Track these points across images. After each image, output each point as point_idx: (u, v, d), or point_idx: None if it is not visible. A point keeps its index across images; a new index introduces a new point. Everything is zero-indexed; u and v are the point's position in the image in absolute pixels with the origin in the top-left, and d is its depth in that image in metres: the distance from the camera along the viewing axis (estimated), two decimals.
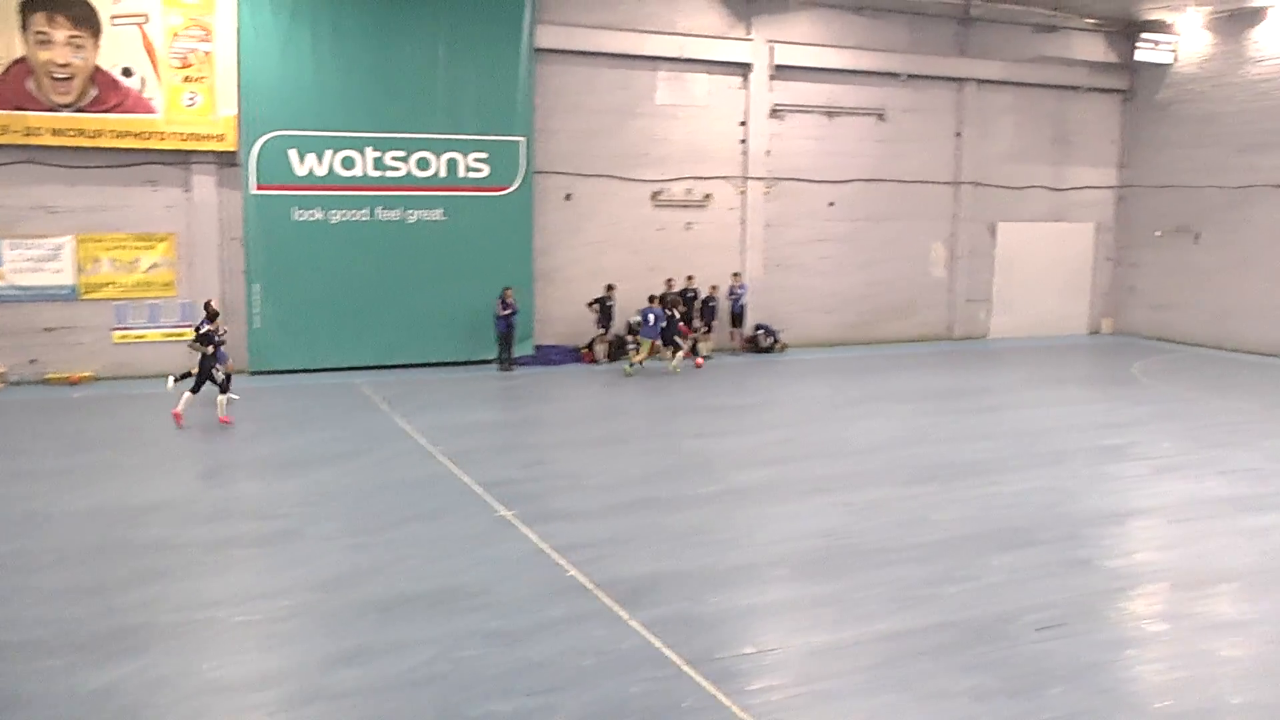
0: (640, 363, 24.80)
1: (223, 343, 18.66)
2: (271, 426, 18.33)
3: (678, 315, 25.56)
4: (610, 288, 26.32)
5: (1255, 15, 29.97)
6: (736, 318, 28.26)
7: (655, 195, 27.60)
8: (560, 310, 26.50)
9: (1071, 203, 33.60)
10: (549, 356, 26.05)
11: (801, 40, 28.69)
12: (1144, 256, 33.73)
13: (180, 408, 18.11)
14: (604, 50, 26.48)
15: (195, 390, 18.25)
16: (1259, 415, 20.84)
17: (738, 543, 12.43)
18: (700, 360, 26.34)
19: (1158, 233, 33.04)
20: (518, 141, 25.27)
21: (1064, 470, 16.22)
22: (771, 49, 28.23)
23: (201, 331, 18.14)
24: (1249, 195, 30.36)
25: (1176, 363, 28.30)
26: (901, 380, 24.59)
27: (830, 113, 29.48)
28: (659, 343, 24.93)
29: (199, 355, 18.19)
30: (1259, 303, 30.24)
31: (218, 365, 18.36)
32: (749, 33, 28.03)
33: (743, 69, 28.12)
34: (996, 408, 21.45)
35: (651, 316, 24.63)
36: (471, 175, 24.99)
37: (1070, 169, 33.43)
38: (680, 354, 25.30)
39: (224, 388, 18.51)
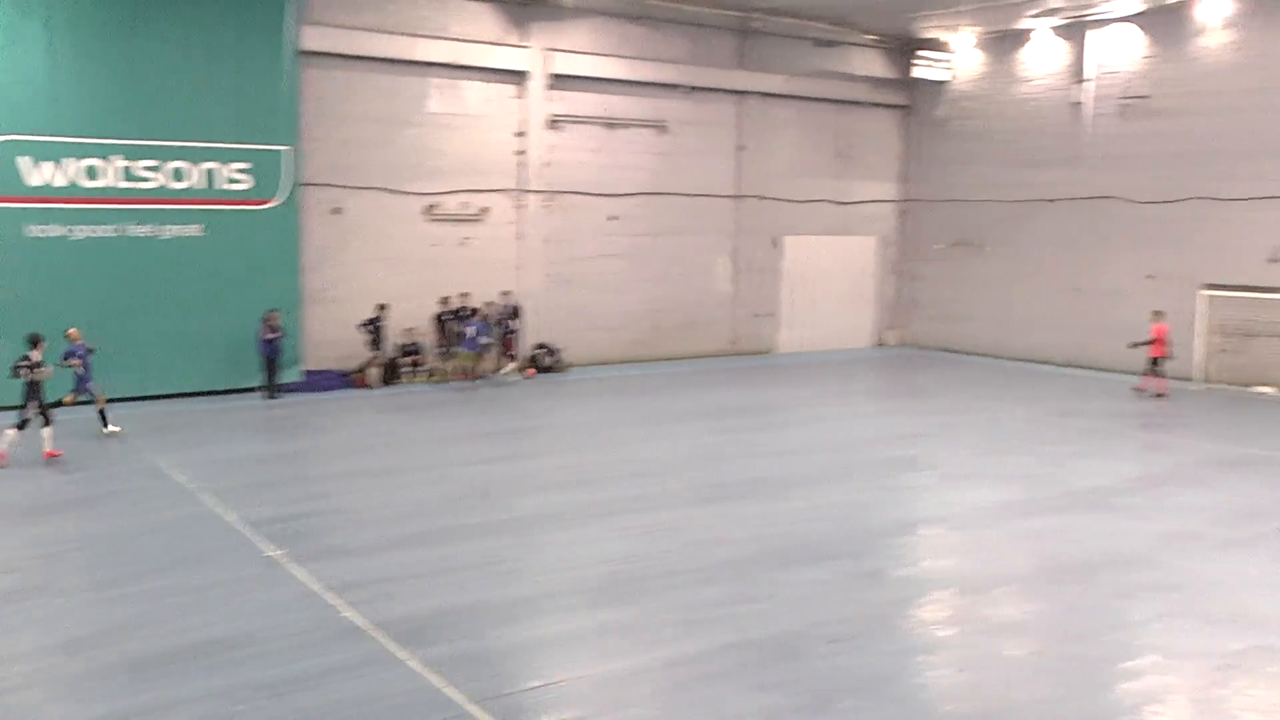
0: (472, 377, 25.40)
1: (77, 369, 18.87)
2: (4, 471, 17.05)
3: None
4: (382, 308, 25.79)
5: (1021, 37, 32.23)
6: (508, 338, 28.09)
7: (429, 209, 27.23)
8: (331, 332, 25.76)
9: (856, 216, 35.08)
10: (319, 382, 25.26)
11: (579, 49, 28.95)
12: (927, 269, 35.56)
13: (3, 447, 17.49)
14: (373, 54, 25.97)
15: (20, 427, 17.60)
16: (1037, 422, 22.21)
17: (523, 573, 12.30)
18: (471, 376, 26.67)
19: (938, 246, 34.91)
20: (281, 151, 24.46)
21: (854, 483, 16.77)
22: (548, 57, 28.37)
23: (17, 362, 17.50)
24: (1025, 209, 32.48)
25: (961, 373, 29.83)
26: (689, 398, 24.96)
27: (610, 124, 29.83)
28: (488, 355, 25.66)
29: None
30: (1037, 312, 32.35)
31: (35, 399, 17.69)
32: (525, 40, 28.08)
33: (519, 77, 28.14)
34: (785, 423, 22.01)
35: (472, 329, 24.60)
36: (232, 187, 24.04)
37: (854, 183, 34.92)
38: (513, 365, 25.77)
39: (46, 419, 17.82)
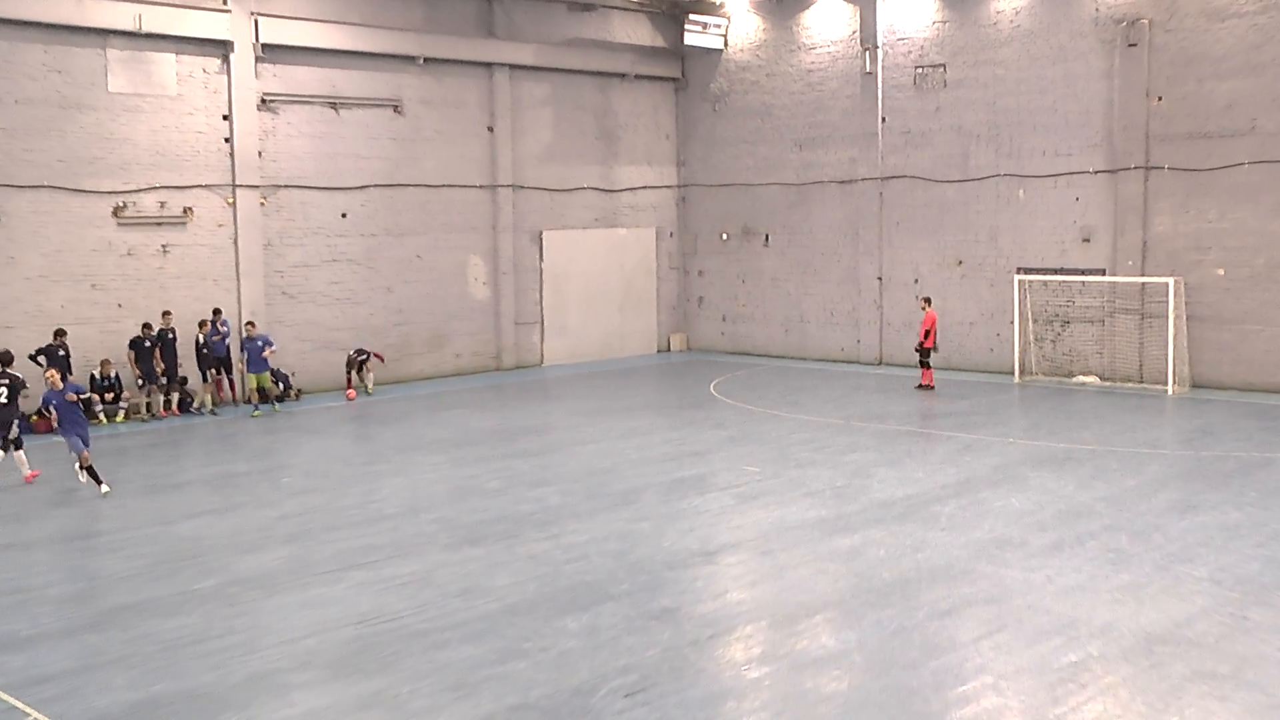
0: (257, 403, 25.61)
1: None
2: None
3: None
4: (60, 334, 24.34)
5: None
6: (222, 363, 27.02)
7: (118, 211, 25.91)
8: None
9: (627, 206, 35.40)
10: None
11: (293, 14, 28.18)
12: (711, 264, 36.19)
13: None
14: (28, 18, 24.51)
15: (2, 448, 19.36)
16: (838, 429, 22.77)
17: (250, 646, 11.76)
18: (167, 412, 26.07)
19: (724, 236, 35.55)
20: None
21: (636, 511, 16.76)
22: (255, 23, 27.49)
23: None
24: (814, 193, 33.42)
25: (752, 379, 30.43)
26: (438, 423, 24.68)
27: (335, 104, 29.17)
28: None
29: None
30: (832, 308, 33.31)
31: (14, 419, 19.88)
32: (226, 2, 27.05)
33: (222, 48, 27.16)
34: (553, 447, 21.95)
35: (259, 344, 24.80)
36: None
37: (622, 168, 35.22)
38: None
39: (17, 443, 19.76)
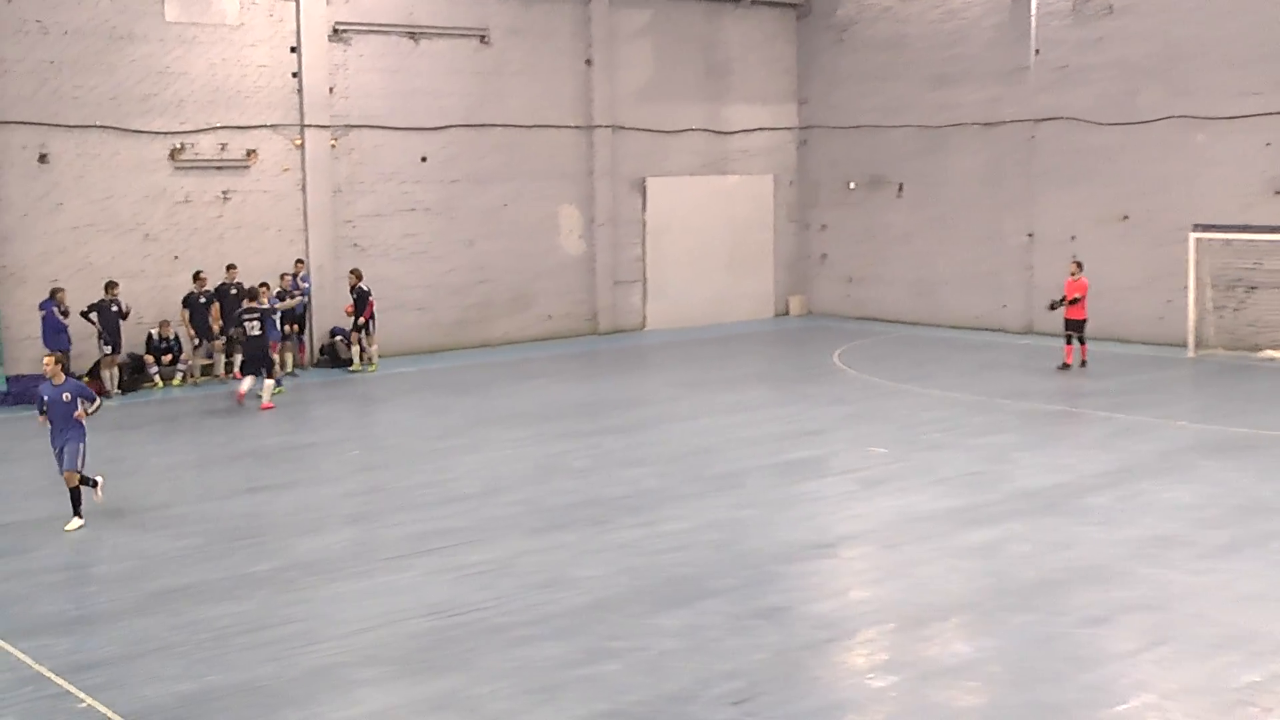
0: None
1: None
2: None
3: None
4: (112, 287, 24.83)
5: None
6: (299, 323, 27.49)
7: (174, 154, 26.35)
8: (38, 323, 24.72)
9: (739, 150, 35.23)
10: (29, 391, 24.20)
11: None
12: (835, 216, 35.87)
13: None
14: None
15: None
16: (976, 407, 22.45)
17: (310, 637, 11.91)
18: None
19: (852, 185, 35.19)
20: None
21: (742, 496, 16.67)
22: None
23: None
24: (945, 137, 32.89)
25: (878, 348, 30.12)
26: (524, 395, 24.76)
27: (414, 34, 29.34)
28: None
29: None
30: (962, 269, 32.80)
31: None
32: None
33: None
34: (650, 423, 21.93)
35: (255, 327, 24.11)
36: None
37: (734, 107, 35.01)
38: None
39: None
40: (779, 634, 11.73)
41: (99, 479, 16.39)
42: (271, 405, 23.40)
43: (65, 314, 24.07)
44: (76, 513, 15.82)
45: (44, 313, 23.99)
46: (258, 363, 23.64)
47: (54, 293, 24.13)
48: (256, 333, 23.58)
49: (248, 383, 23.60)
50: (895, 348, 30.23)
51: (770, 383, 26.13)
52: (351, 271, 27.52)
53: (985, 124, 32.14)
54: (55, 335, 23.78)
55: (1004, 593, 12.77)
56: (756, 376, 27.02)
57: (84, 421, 16.04)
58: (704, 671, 10.81)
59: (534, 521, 15.66)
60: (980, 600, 12.58)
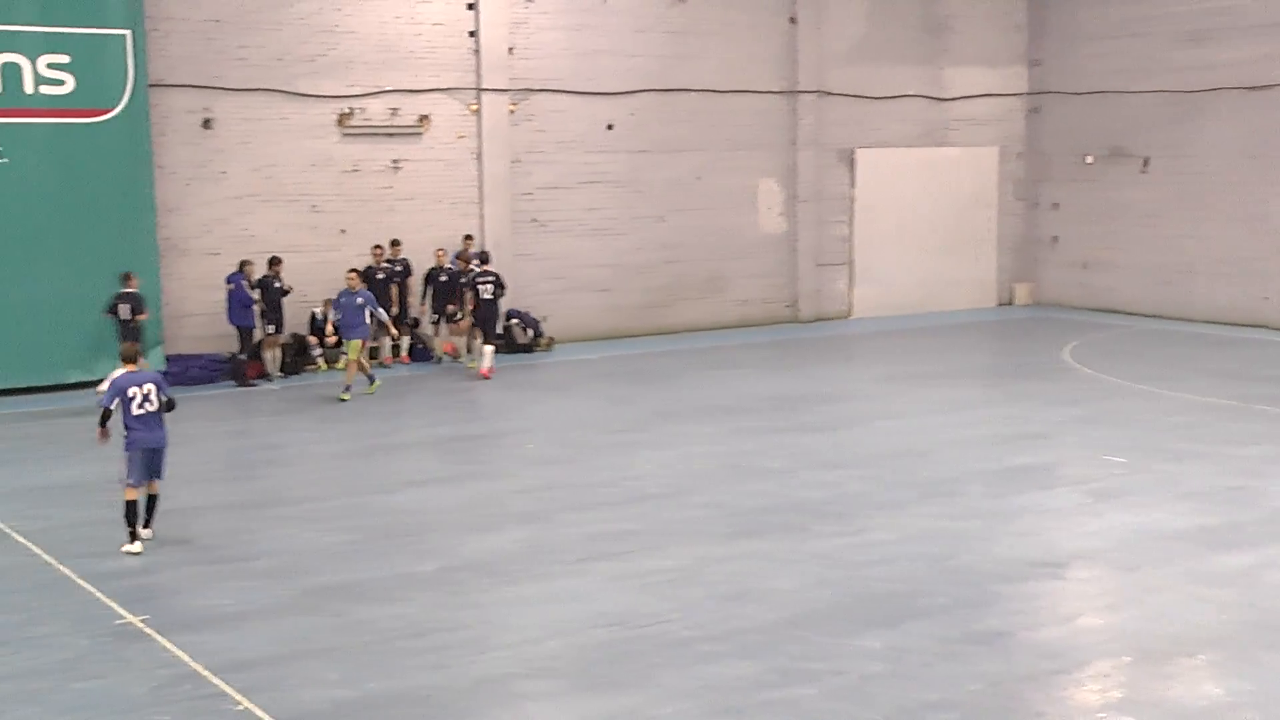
0: (348, 385, 24.00)
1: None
2: None
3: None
4: (275, 263, 25.51)
5: None
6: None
7: (343, 119, 26.94)
8: (201, 299, 25.62)
9: (960, 118, 34.78)
10: (189, 371, 25.11)
11: None
12: (1069, 194, 35.21)
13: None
14: None
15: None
16: (1230, 413, 21.85)
17: (478, 645, 12.11)
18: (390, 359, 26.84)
19: (1089, 158, 34.48)
20: (118, 36, 24.35)
21: (957, 505, 16.50)
22: None
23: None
24: (1200, 104, 31.99)
25: (1116, 342, 29.55)
26: (715, 386, 24.81)
27: None
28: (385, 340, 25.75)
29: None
30: (1216, 255, 31.89)
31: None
32: None
33: None
34: (854, 420, 21.80)
35: (359, 302, 23.95)
36: (46, 91, 24.00)
37: (955, 70, 34.55)
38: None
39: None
40: (996, 662, 11.55)
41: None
42: (492, 372, 25.19)
43: (253, 288, 24.88)
44: (138, 534, 14.84)
45: (231, 286, 24.78)
46: (489, 326, 25.67)
47: (242, 265, 25.00)
48: (489, 296, 25.49)
49: (489, 357, 25.31)
50: (1135, 343, 29.58)
51: (991, 379, 25.78)
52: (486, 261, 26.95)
53: (1249, 88, 31.15)
54: (242, 310, 24.67)
55: (1262, 627, 12.36)
56: (975, 372, 26.69)
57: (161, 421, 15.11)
58: (910, 700, 10.70)
59: (723, 526, 15.66)
60: (1233, 634, 12.20)
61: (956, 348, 29.75)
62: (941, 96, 34.34)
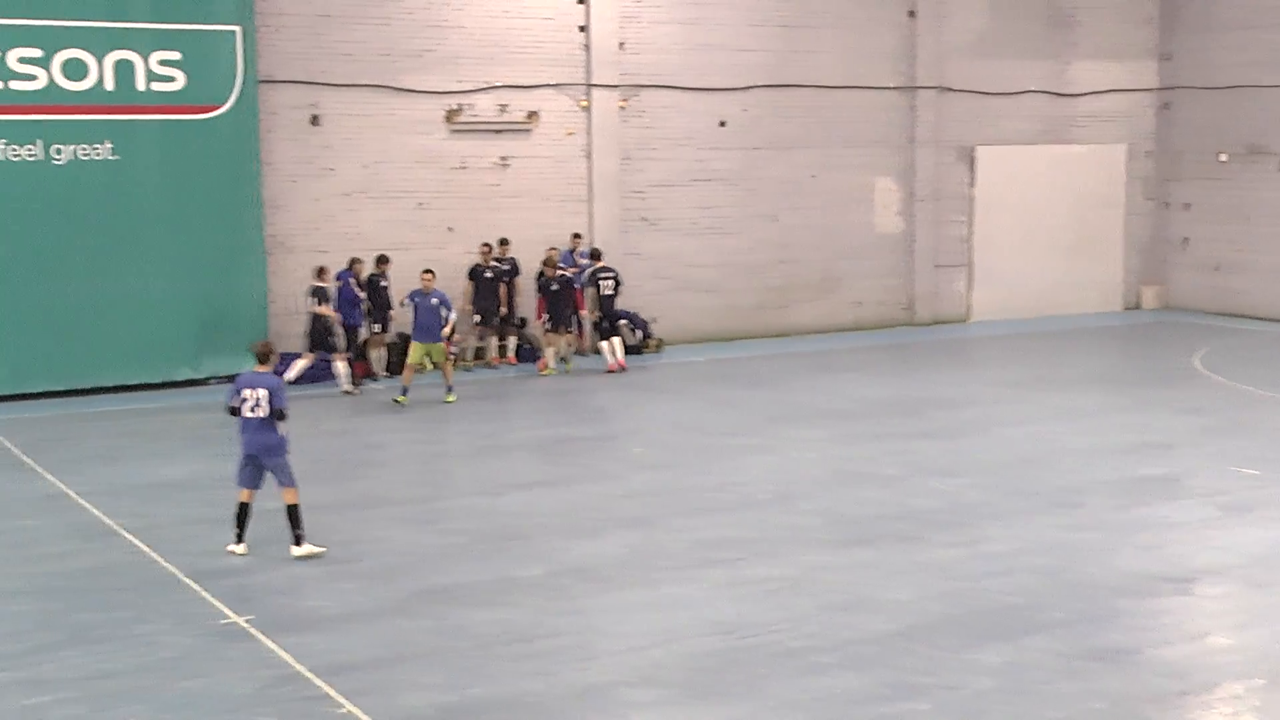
0: (405, 386, 23.93)
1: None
2: None
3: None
4: (383, 261, 25.78)
5: None
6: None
7: (451, 115, 27.17)
8: (305, 297, 25.81)
9: (1085, 114, 34.41)
10: (283, 369, 25.44)
11: None
12: (1201, 193, 34.74)
13: None
14: None
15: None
16: None
17: (583, 651, 12.19)
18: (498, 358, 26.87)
19: (1223, 156, 33.99)
20: (229, 32, 24.73)
21: (1077, 516, 16.37)
22: None
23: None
24: None
25: (1251, 349, 29.19)
26: (825, 391, 24.75)
27: None
28: (453, 346, 25.07)
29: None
30: None
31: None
32: None
33: None
34: (971, 427, 21.70)
35: (434, 302, 23.89)
36: (157, 88, 24.37)
37: (1080, 64, 34.20)
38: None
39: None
40: (1119, 680, 11.42)
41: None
42: (622, 365, 26.36)
43: (361, 286, 25.18)
44: (297, 540, 14.90)
45: (340, 283, 25.07)
46: (614, 322, 26.58)
47: (352, 263, 25.29)
48: (610, 293, 26.43)
49: (619, 349, 26.45)
50: (1270, 350, 29.17)
51: (1116, 386, 25.48)
52: (544, 262, 26.80)
53: None
54: (350, 308, 24.94)
55: None
56: (1099, 378, 26.40)
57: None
58: (1027, 718, 10.63)
59: (834, 534, 15.64)
60: None
61: (1080, 353, 29.46)
62: (1066, 92, 33.97)
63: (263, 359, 15.04)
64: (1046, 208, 34.02)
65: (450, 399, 23.52)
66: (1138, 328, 33.04)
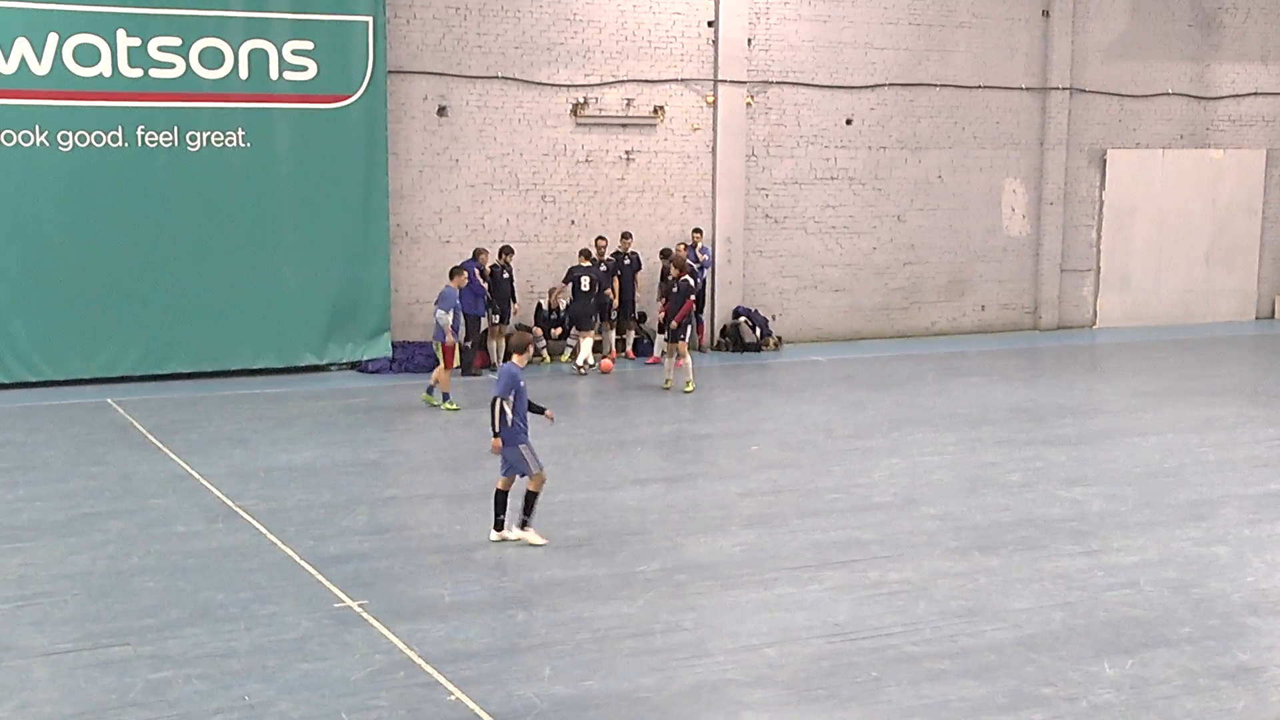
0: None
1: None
2: None
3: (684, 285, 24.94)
4: (507, 253, 25.96)
5: None
6: (698, 300, 27.90)
7: (577, 109, 27.29)
8: (431, 286, 26.15)
9: (1226, 119, 33.86)
10: (415, 358, 25.83)
11: None
12: None
13: None
14: None
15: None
16: None
17: (698, 648, 12.15)
18: (608, 362, 26.55)
19: None
20: (361, 22, 25.06)
21: (1209, 530, 16.08)
22: None
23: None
24: None
25: None
26: (951, 394, 24.61)
27: None
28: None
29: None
30: None
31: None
32: None
33: None
34: (1099, 436, 21.41)
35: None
36: (290, 77, 24.80)
37: (1223, 66, 33.65)
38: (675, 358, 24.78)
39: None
40: (1249, 700, 11.18)
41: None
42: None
43: (485, 277, 25.39)
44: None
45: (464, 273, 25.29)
46: (588, 319, 26.57)
47: (476, 254, 25.51)
48: (586, 289, 26.31)
49: (587, 350, 26.14)
50: None
51: (1252, 397, 24.99)
52: (667, 257, 26.59)
53: None
54: (474, 300, 25.08)
55: None
56: (1235, 389, 25.91)
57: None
58: None
59: (956, 540, 15.49)
60: None
61: (1212, 363, 28.93)
62: (1206, 95, 33.43)
63: (521, 350, 15.70)
64: (1180, 213, 33.53)
65: (435, 401, 22.74)
66: (1273, 338, 32.48)
